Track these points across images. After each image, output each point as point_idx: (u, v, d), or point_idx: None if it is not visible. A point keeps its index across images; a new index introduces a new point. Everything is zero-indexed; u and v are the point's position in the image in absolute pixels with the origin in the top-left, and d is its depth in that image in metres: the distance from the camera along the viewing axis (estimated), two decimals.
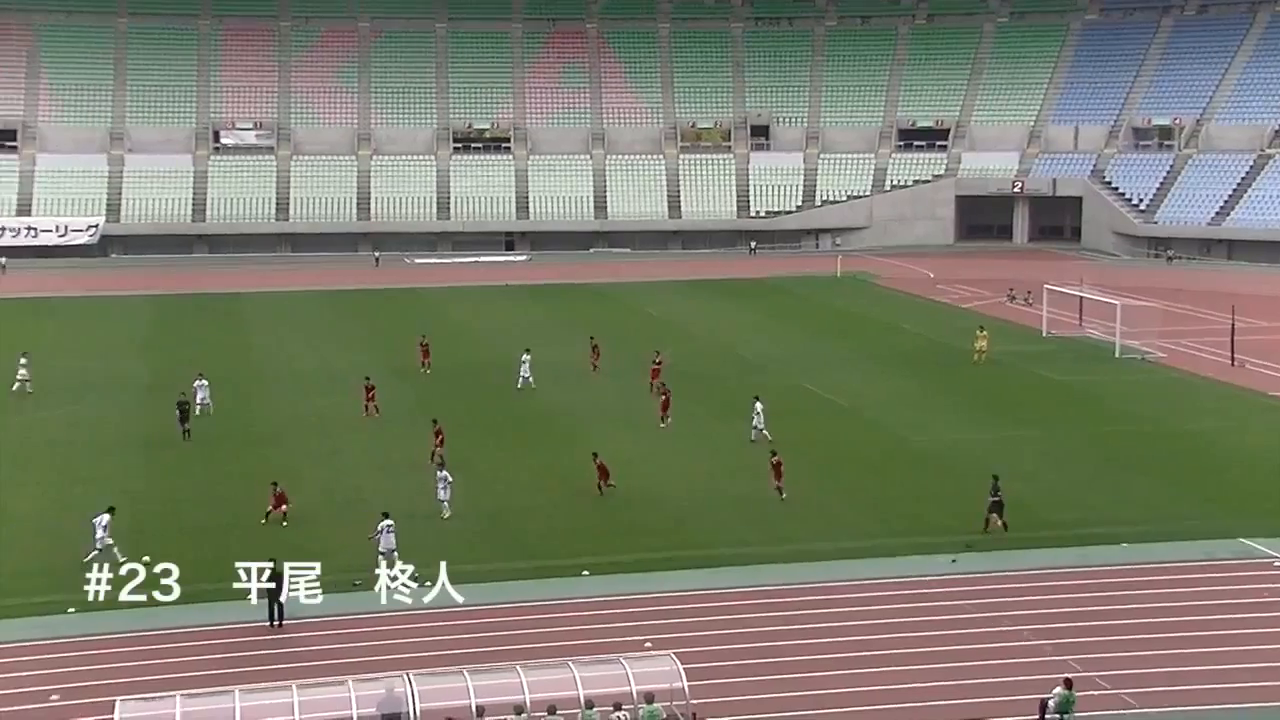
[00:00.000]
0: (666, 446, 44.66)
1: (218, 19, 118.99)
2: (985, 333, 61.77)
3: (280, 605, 30.64)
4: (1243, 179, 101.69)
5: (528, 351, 55.02)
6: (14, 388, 53.84)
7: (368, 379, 51.78)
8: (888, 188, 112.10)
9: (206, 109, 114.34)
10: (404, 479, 42.21)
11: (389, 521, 34.42)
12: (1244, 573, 33.58)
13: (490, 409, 51.50)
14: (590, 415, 50.50)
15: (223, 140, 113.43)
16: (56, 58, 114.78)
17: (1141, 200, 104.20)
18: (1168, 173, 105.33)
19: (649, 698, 24.60)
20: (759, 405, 45.85)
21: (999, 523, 36.30)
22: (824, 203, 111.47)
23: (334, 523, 37.81)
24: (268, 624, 30.63)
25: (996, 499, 36.41)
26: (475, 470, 43.25)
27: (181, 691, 24.79)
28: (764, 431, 44.88)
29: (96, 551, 33.76)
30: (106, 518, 34.53)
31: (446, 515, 38.09)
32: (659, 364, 54.62)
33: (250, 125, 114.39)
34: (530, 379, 54.12)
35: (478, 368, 59.33)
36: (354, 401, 51.30)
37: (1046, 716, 25.63)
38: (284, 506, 37.82)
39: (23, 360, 54.81)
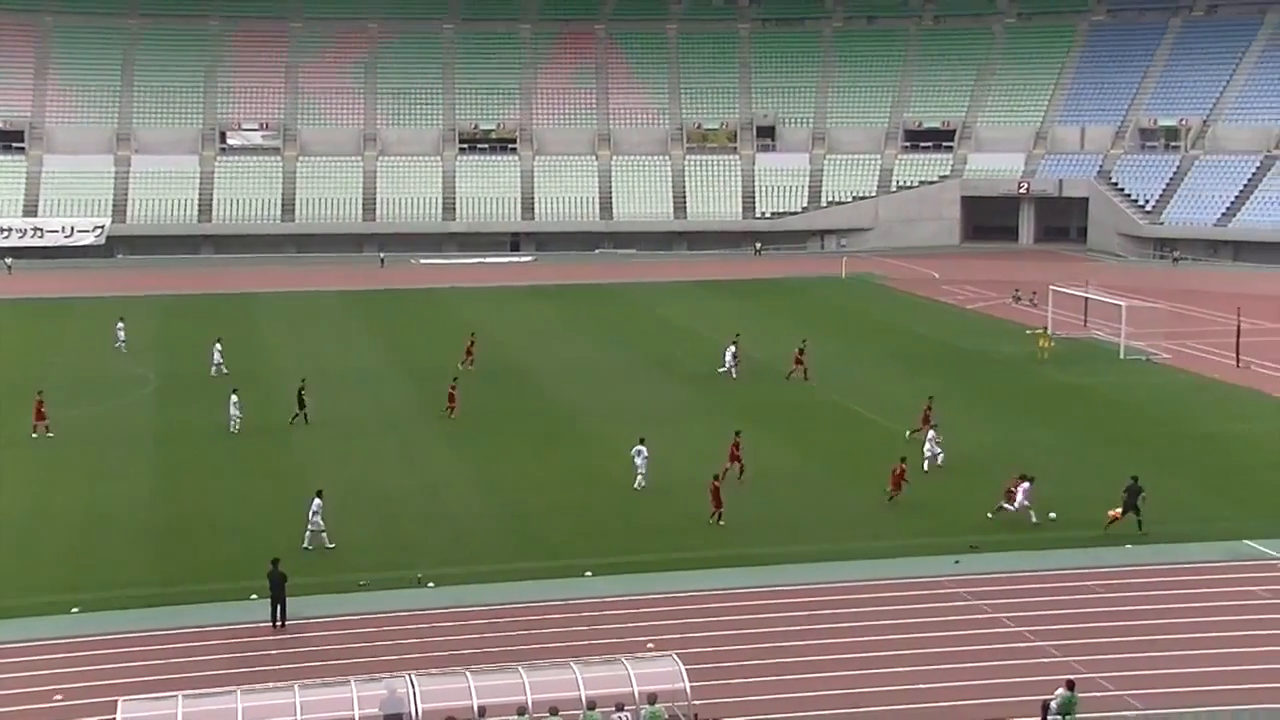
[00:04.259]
0: (677, 447, 44.58)
1: (228, 19, 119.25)
2: (1044, 331, 63.23)
3: (283, 605, 30.69)
4: (1249, 180, 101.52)
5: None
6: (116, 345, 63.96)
7: (454, 380, 52.15)
8: (893, 189, 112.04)
9: (213, 110, 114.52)
10: (424, 477, 42.37)
11: (319, 502, 35.51)
12: (1248, 574, 33.53)
13: (511, 408, 51.70)
14: (615, 415, 50.57)
15: (229, 141, 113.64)
16: (65, 58, 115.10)
17: (1148, 201, 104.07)
18: (1174, 174, 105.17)
19: (651, 698, 24.59)
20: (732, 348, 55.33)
21: (1122, 517, 36.02)
22: (830, 204, 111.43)
23: (344, 522, 37.84)
24: (270, 624, 30.66)
25: (1134, 496, 36.06)
26: (502, 468, 43.52)
27: (184, 692, 24.81)
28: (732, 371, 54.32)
29: (309, 534, 35.32)
30: (318, 502, 35.63)
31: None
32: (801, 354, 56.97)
33: (256, 126, 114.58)
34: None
35: (494, 368, 59.40)
36: (385, 401, 51.32)
37: (1049, 717, 25.60)
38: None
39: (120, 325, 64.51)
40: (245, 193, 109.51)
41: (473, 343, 60.80)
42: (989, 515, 37.39)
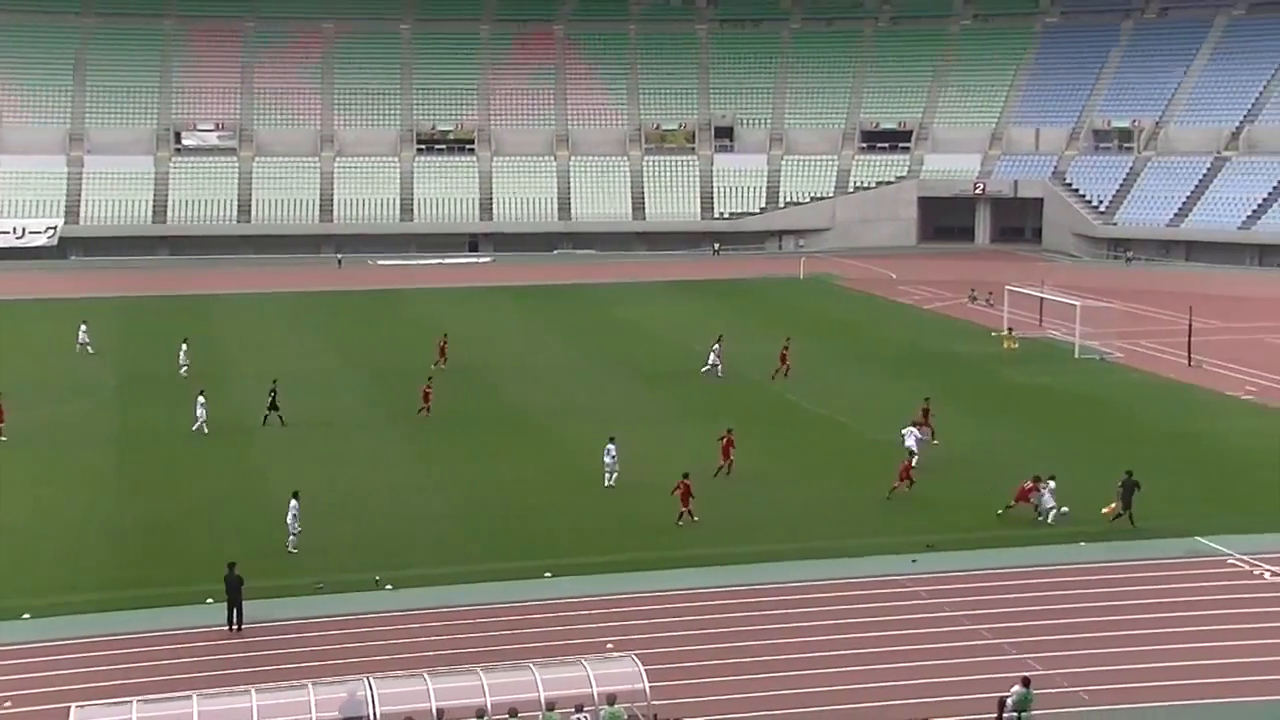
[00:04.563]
0: (638, 447, 44.64)
1: (182, 19, 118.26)
2: (1009, 332, 64.42)
3: (240, 609, 30.50)
4: (1200, 181, 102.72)
5: None
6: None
7: (428, 380, 52.15)
8: (851, 189, 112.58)
9: (168, 110, 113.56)
10: (384, 479, 42.24)
11: (295, 503, 35.45)
12: (1200, 571, 33.95)
13: (471, 409, 51.60)
14: (576, 416, 50.67)
15: (184, 141, 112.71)
16: (16, 57, 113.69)
17: (1101, 202, 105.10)
18: (1127, 174, 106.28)
19: (610, 699, 24.64)
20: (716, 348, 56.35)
21: (1118, 512, 36.79)
22: (787, 204, 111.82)
23: (303, 524, 37.65)
24: (226, 628, 30.46)
25: (1129, 491, 36.78)
26: (462, 469, 43.46)
27: (139, 697, 24.64)
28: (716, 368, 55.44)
29: (292, 538, 35.31)
30: (295, 504, 35.54)
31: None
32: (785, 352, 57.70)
33: (212, 126, 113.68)
34: None
35: (455, 369, 59.26)
36: (346, 403, 51.19)
37: (1005, 715, 25.85)
38: None
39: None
40: (201, 193, 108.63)
41: (445, 343, 60.94)
42: (998, 513, 37.65)
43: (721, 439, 42.31)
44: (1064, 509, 37.59)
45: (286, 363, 61.67)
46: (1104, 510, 37.19)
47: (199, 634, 30.31)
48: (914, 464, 40.50)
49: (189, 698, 24.33)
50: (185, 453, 45.88)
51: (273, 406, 49.49)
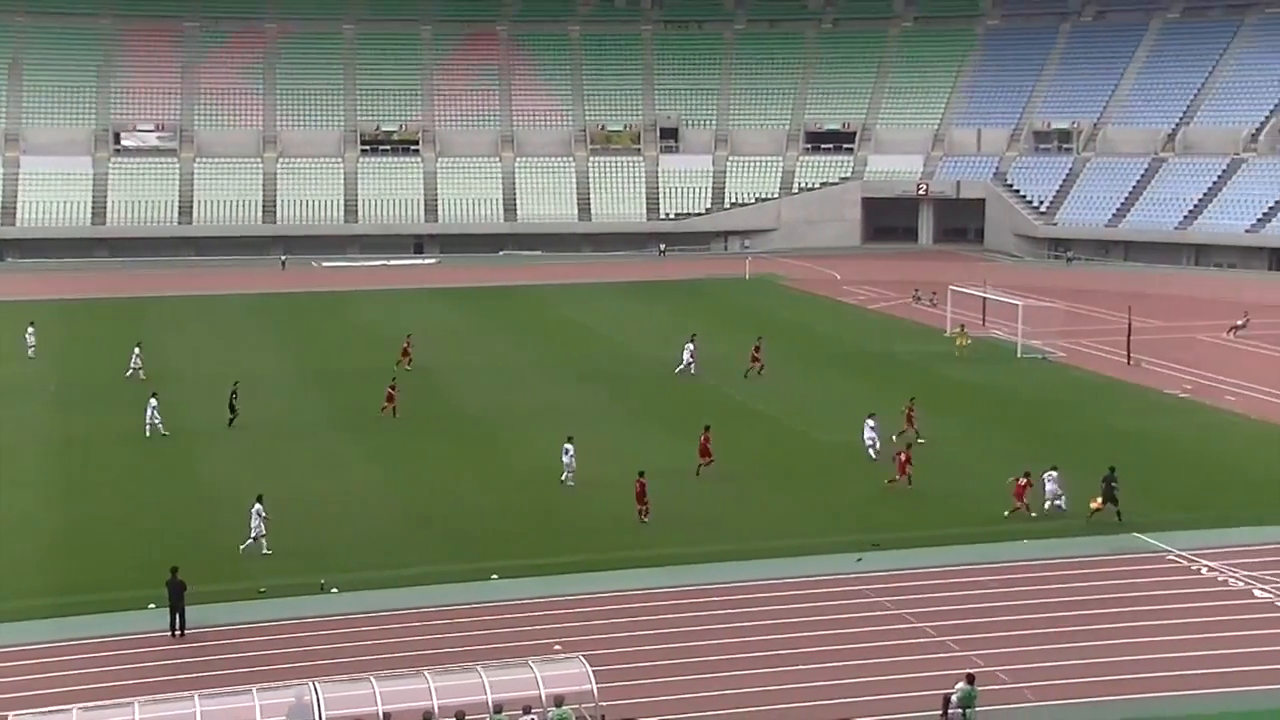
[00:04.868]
0: (587, 448, 44.60)
1: (120, 18, 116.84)
2: (962, 329, 64.52)
3: (182, 614, 30.18)
4: (1138, 182, 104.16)
5: None
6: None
7: (392, 380, 52.07)
8: (795, 190, 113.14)
9: (106, 110, 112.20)
10: (331, 481, 41.93)
11: (259, 506, 35.25)
12: (1138, 567, 34.41)
13: (420, 411, 51.34)
14: (523, 417, 50.57)
15: (123, 142, 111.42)
16: None
17: (1042, 202, 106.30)
18: (1067, 175, 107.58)
19: (558, 700, 24.63)
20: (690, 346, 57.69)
21: (1104, 507, 37.34)
22: (733, 205, 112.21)
23: (243, 530, 37.33)
24: (169, 633, 30.13)
25: (1110, 487, 37.49)
26: (409, 471, 43.26)
27: (79, 705, 24.34)
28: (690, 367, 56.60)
29: (251, 540, 34.98)
30: (259, 506, 35.19)
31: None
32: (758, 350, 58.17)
33: (152, 127, 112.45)
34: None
35: (402, 371, 58.94)
36: (290, 405, 50.81)
37: (949, 711, 26.10)
38: None
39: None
40: (141, 195, 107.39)
41: (410, 343, 60.91)
42: (1005, 515, 37.97)
43: (701, 436, 42.82)
44: (1060, 501, 38.22)
45: (232, 365, 61.06)
46: (1091, 505, 37.67)
47: (140, 640, 29.95)
48: (908, 458, 40.85)
49: (130, 705, 24.06)
50: (127, 456, 45.37)
51: (232, 409, 49.17)
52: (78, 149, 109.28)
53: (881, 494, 40.58)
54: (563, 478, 41.32)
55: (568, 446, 41.55)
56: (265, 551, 35.10)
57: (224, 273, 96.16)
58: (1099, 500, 37.64)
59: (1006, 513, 38.04)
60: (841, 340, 68.03)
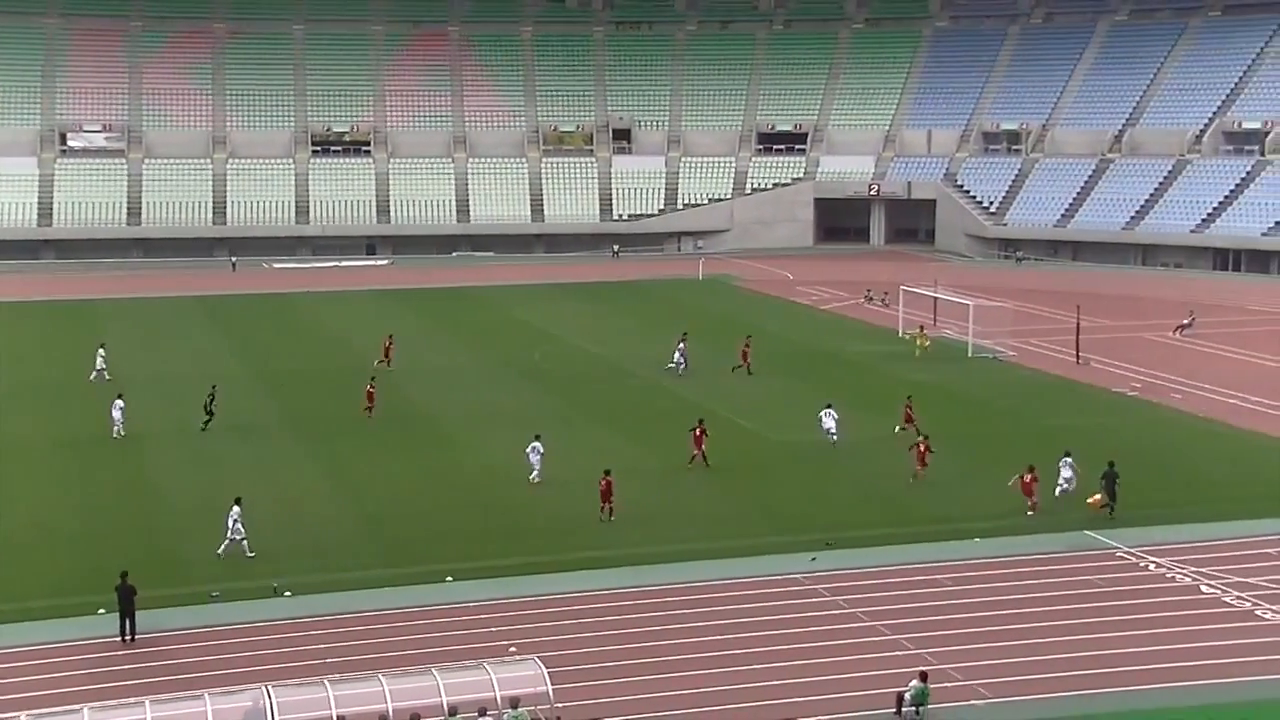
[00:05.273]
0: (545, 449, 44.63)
1: (65, 17, 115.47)
2: (921, 330, 65.00)
3: (132, 619, 29.87)
4: (1086, 182, 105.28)
5: None
6: None
7: (372, 380, 52.33)
8: (748, 191, 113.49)
9: (52, 110, 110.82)
10: (284, 484, 41.62)
11: (238, 509, 35.14)
12: (1089, 564, 34.77)
13: (377, 411, 51.04)
14: (478, 420, 50.46)
15: (70, 143, 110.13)
16: None
17: (992, 203, 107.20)
18: (1016, 176, 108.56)
19: (514, 703, 24.58)
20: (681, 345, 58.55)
21: (1104, 503, 38.00)
22: (686, 206, 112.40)
23: (198, 532, 37.01)
24: (119, 639, 29.82)
25: (1111, 482, 38.10)
26: (363, 474, 43.02)
27: (26, 712, 24.05)
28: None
29: (228, 542, 34.73)
30: (237, 509, 34.98)
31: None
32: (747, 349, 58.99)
33: (99, 127, 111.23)
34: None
35: (355, 373, 58.68)
36: (240, 407, 50.46)
37: (903, 709, 26.28)
38: None
39: None
40: (88, 196, 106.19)
41: (391, 343, 60.82)
42: (1029, 514, 38.44)
43: (693, 430, 43.62)
44: (1069, 486, 39.40)
45: (184, 367, 60.65)
46: (1089, 500, 38.34)
47: (90, 645, 29.64)
48: (926, 447, 41.99)
49: (80, 711, 23.79)
50: (74, 459, 44.84)
51: (209, 411, 48.80)
52: (23, 150, 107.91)
53: (836, 493, 40.78)
54: (531, 476, 41.38)
55: (536, 445, 41.68)
56: (219, 553, 34.88)
57: (174, 274, 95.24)
58: (1100, 495, 38.29)
59: (1030, 512, 38.43)
60: (794, 341, 68.27)
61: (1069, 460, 39.98)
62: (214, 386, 50.34)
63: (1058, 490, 39.43)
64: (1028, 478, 38.74)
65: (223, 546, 34.98)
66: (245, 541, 35.07)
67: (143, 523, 38.14)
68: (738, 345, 59.97)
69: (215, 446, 46.65)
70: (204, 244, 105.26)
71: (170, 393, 54.65)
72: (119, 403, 47.91)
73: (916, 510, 39.16)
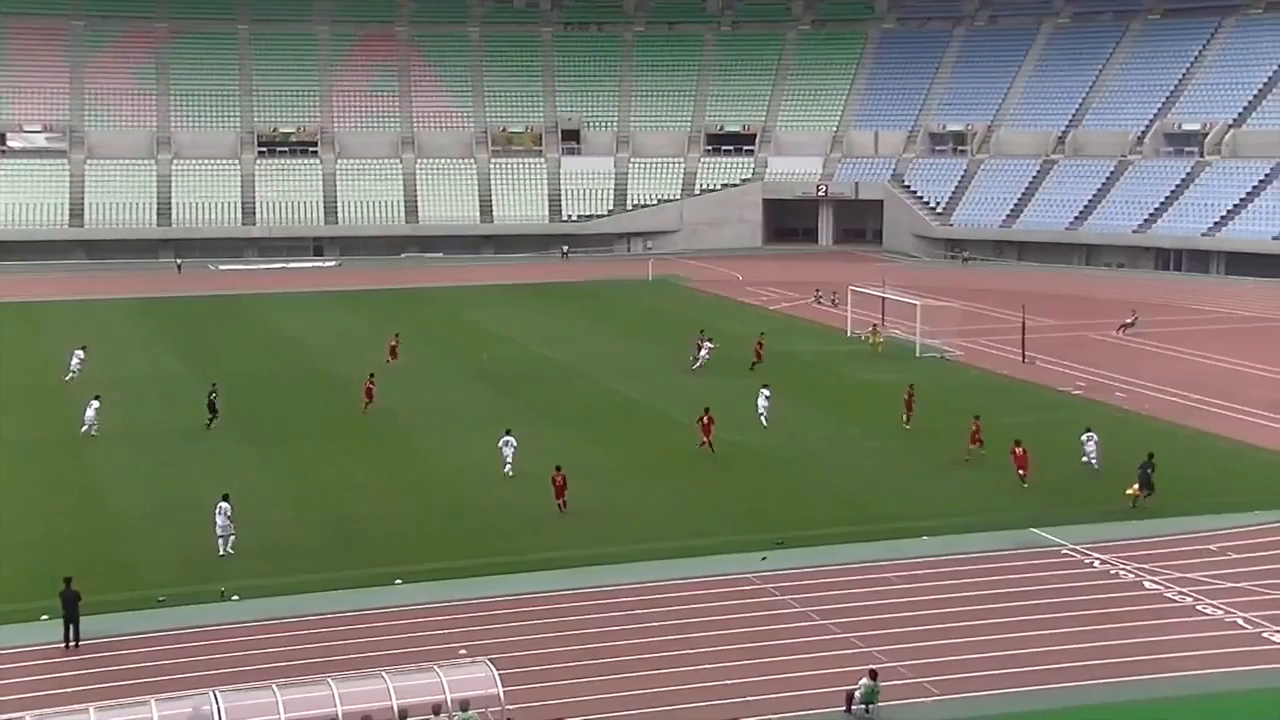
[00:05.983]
0: (494, 452, 44.46)
1: (4, 16, 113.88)
2: (874, 328, 65.90)
3: (76, 625, 29.49)
4: (1030, 183, 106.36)
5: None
6: None
7: (370, 376, 52.42)
8: (697, 191, 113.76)
9: None
10: (232, 487, 41.17)
11: (225, 504, 35.03)
12: (1035, 562, 35.10)
13: (325, 415, 50.84)
14: (428, 421, 50.34)
15: (10, 143, 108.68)
16: None
17: (938, 203, 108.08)
18: (962, 177, 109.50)
19: (464, 705, 24.50)
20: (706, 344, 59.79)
21: (1141, 493, 39.05)
22: (635, 206, 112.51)
23: (144, 536, 36.60)
24: (63, 645, 29.43)
25: (1147, 474, 39.22)
26: (313, 477, 42.77)
27: (31, 712, 23.66)
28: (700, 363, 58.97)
29: (229, 539, 34.61)
30: (225, 505, 34.79)
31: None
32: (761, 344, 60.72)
33: (40, 127, 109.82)
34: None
35: (305, 375, 58.24)
36: (189, 410, 50.02)
37: (853, 707, 26.43)
38: None
39: None
40: (28, 197, 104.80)
41: (397, 341, 61.15)
42: (1024, 485, 40.66)
43: (700, 419, 44.70)
44: (1094, 460, 42.36)
45: (129, 370, 59.99)
46: (1127, 491, 39.17)
47: (33, 652, 29.23)
48: (978, 428, 43.81)
49: (22, 718, 23.45)
50: (16, 463, 44.20)
51: (212, 409, 48.62)
52: None
53: (785, 492, 40.94)
54: (504, 470, 41.84)
55: (509, 439, 42.19)
56: (230, 550, 34.91)
57: (118, 276, 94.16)
58: (1136, 486, 39.09)
59: (1026, 484, 40.62)
60: (745, 341, 68.39)
61: (1093, 435, 42.65)
62: (214, 384, 50.07)
63: (1085, 460, 42.26)
64: (1019, 451, 40.93)
65: (227, 545, 34.87)
66: (232, 539, 34.89)
67: (86, 526, 37.65)
68: (752, 343, 61.30)
69: (161, 448, 46.15)
70: (148, 245, 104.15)
71: (116, 395, 54.03)
72: (94, 403, 47.60)
73: (868, 508, 39.39)
